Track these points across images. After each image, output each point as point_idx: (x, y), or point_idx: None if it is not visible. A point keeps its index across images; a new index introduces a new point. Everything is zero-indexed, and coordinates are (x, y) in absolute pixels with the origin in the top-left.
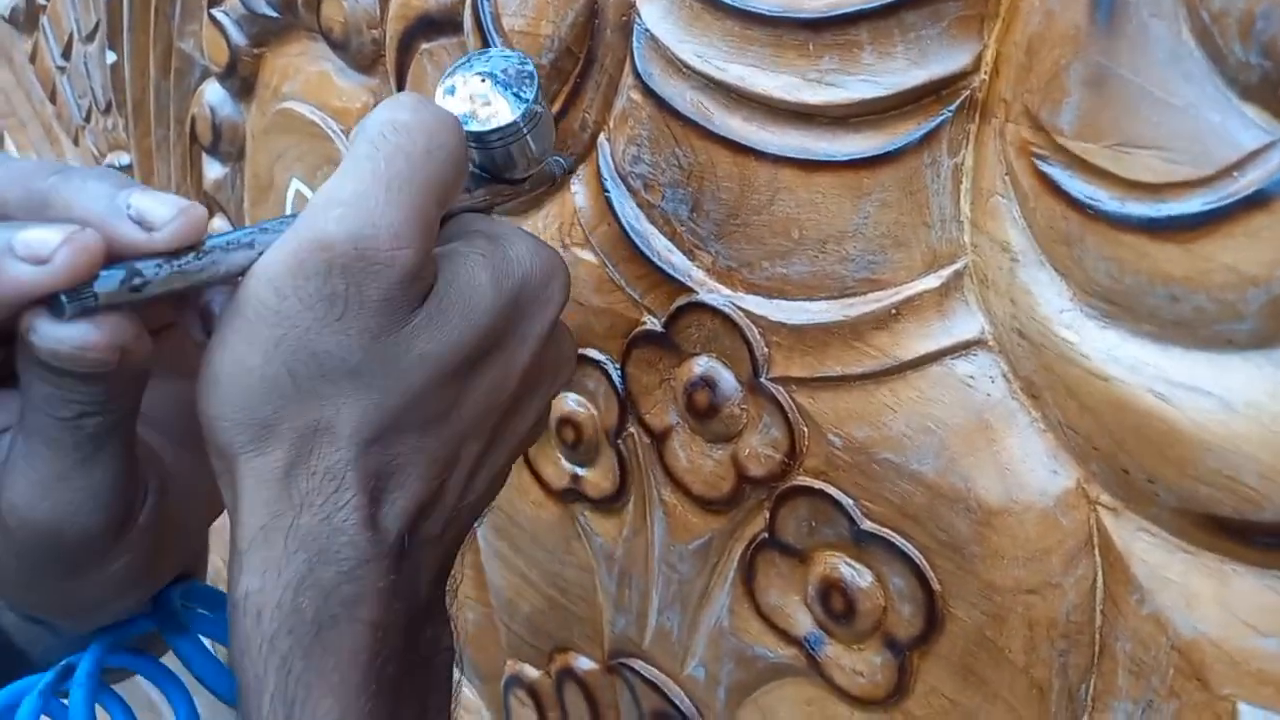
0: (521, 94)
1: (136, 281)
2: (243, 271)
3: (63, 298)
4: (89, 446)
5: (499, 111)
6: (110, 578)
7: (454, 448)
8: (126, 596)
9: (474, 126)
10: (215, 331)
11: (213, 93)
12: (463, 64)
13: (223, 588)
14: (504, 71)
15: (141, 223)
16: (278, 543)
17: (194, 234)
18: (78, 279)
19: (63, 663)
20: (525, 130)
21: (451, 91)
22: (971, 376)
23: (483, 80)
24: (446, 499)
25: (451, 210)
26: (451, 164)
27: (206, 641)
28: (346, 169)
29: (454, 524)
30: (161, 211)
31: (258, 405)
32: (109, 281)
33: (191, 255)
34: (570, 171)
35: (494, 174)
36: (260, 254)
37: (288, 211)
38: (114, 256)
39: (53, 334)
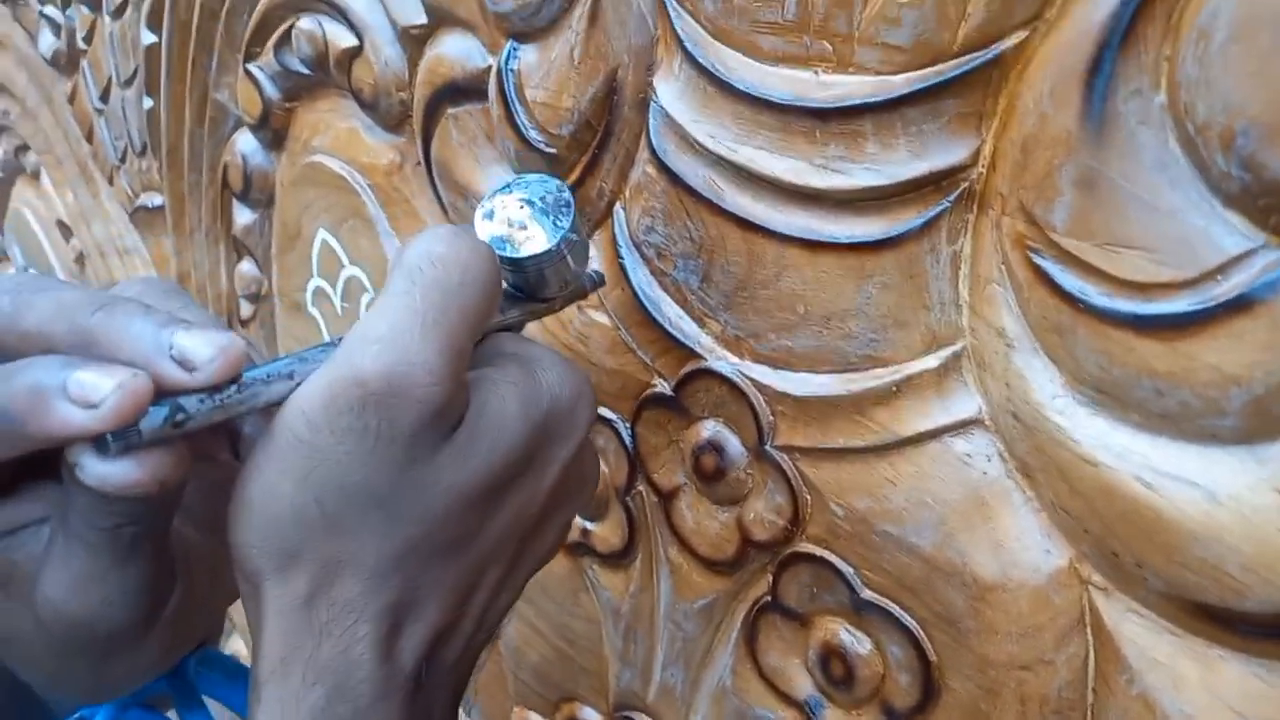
0: (559, 221)
1: (180, 418)
2: (281, 401)
3: (108, 436)
4: (124, 551)
5: (535, 237)
6: (138, 663)
7: (475, 574)
8: (150, 675)
9: (510, 252)
10: (249, 458)
11: (245, 142)
12: (501, 189)
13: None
14: (542, 199)
15: (183, 363)
16: (295, 674)
17: (232, 371)
18: (124, 423)
19: (76, 716)
20: (561, 256)
21: (490, 216)
22: (969, 455)
23: (521, 206)
24: (464, 625)
25: (484, 330)
26: (485, 295)
27: (216, 707)
28: (384, 304)
29: (471, 648)
30: (203, 352)
31: (285, 534)
32: (154, 419)
33: (233, 389)
34: (600, 285)
35: (528, 294)
36: (298, 384)
37: (313, 257)
38: (157, 393)
39: (96, 471)
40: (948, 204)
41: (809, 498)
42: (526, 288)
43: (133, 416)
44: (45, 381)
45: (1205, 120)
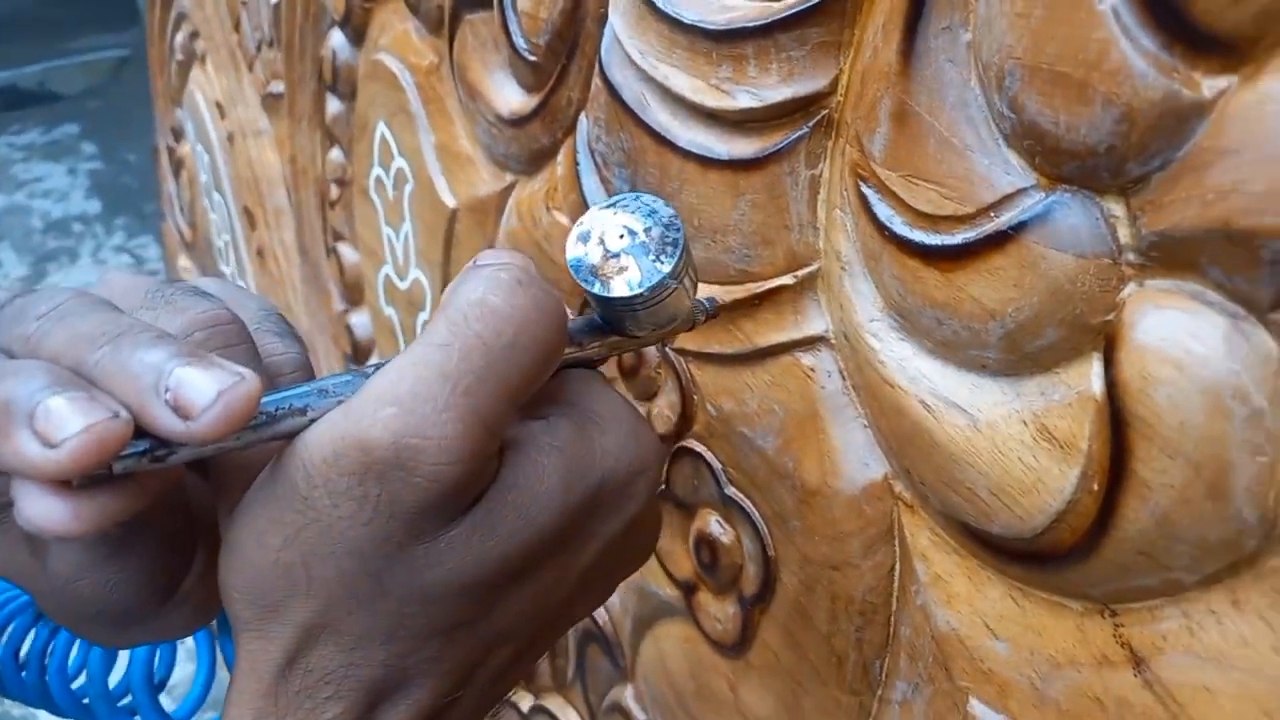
0: (660, 262)
1: (160, 453)
2: (292, 436)
3: None
4: (113, 545)
5: (630, 274)
6: (168, 625)
7: (480, 654)
8: (186, 632)
9: (598, 289)
10: (250, 492)
11: (336, 38)
12: (607, 205)
13: None
14: (648, 230)
15: (178, 410)
16: None
17: (235, 424)
18: (83, 471)
19: None
20: (655, 301)
21: (585, 238)
22: (813, 369)
23: (622, 235)
24: (463, 703)
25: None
26: (539, 360)
27: None
28: (415, 355)
29: None
30: (200, 397)
31: (268, 588)
32: (126, 459)
33: None
34: (713, 315)
35: (616, 328)
36: (311, 422)
37: (374, 147)
38: (144, 436)
39: (26, 515)
40: (806, 130)
41: (696, 397)
42: (615, 322)
43: (94, 465)
44: (17, 399)
45: (987, 59)
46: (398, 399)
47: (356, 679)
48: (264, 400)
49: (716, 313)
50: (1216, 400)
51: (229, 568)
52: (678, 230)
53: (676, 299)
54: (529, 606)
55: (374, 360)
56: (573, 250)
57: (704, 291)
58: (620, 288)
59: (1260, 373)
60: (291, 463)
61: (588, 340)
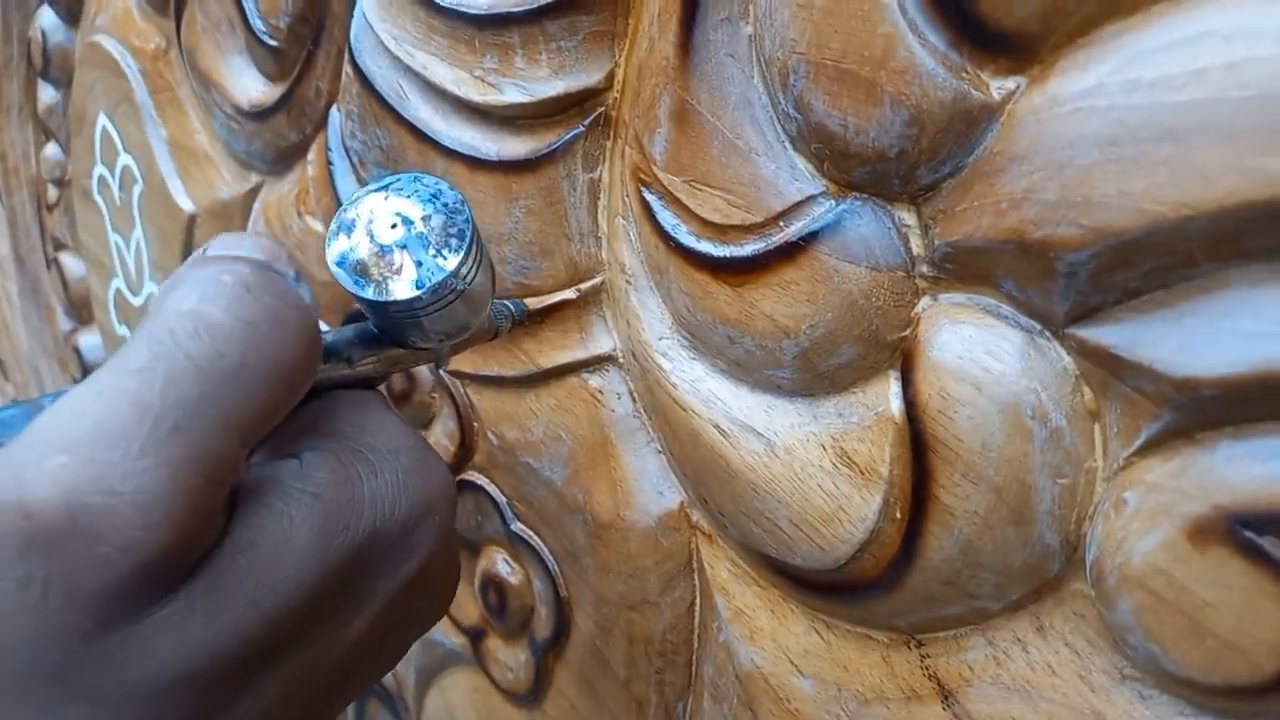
0: (443, 257)
1: None
2: None
3: None
4: None
5: (405, 273)
6: None
7: None
8: None
9: (370, 293)
10: None
11: (46, 17)
12: (376, 188)
13: None
14: (426, 218)
15: None
16: None
17: None
18: None
19: None
20: (440, 305)
21: (349, 228)
22: (601, 391)
23: (395, 226)
24: None
25: (317, 384)
26: (276, 384)
27: None
28: (102, 385)
29: None
30: None
31: None
32: None
33: None
34: (521, 322)
35: (394, 337)
36: None
37: (96, 142)
38: None
39: None
40: (582, 128)
41: (476, 425)
42: (393, 331)
43: None
44: None
45: (770, 55)
46: (72, 443)
47: None
48: None
49: (525, 318)
50: (1016, 420)
51: None
52: (465, 219)
53: (469, 301)
54: (287, 689)
55: None
56: (336, 245)
57: None
58: (395, 289)
59: (1058, 390)
60: None
61: (360, 354)
